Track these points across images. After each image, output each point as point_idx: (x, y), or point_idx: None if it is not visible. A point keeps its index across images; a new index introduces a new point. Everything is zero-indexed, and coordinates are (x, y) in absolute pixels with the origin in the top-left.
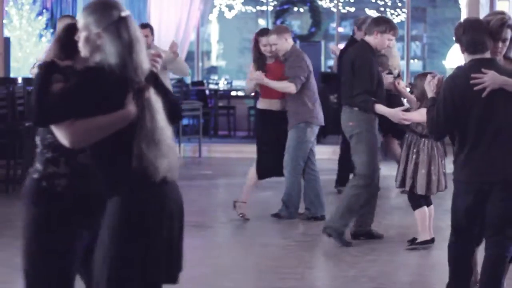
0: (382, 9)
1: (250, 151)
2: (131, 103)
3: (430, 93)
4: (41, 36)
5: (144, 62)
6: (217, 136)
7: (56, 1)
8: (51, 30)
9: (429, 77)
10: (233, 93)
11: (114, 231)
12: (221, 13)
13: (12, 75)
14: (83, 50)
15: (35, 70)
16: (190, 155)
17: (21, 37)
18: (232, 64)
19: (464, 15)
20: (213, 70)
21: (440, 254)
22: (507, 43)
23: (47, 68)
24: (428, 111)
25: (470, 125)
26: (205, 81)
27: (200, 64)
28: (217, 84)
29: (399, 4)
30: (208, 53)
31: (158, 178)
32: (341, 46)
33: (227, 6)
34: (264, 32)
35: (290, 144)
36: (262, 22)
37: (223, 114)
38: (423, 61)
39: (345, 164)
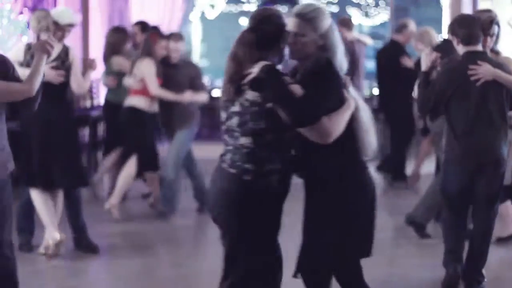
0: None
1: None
2: (348, 95)
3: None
4: (22, 35)
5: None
6: (200, 136)
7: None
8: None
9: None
10: (214, 93)
11: (341, 211)
12: (202, 13)
13: None
14: (305, 50)
15: None
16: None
17: (3, 37)
18: (214, 64)
19: (446, 15)
20: None
21: None
22: (494, 38)
23: (277, 72)
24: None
25: (465, 111)
26: None
27: None
28: None
29: (382, 4)
30: (190, 53)
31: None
32: None
33: (210, 5)
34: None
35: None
36: (244, 22)
37: (205, 114)
38: None
39: None
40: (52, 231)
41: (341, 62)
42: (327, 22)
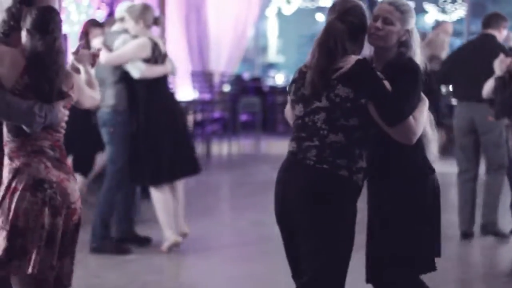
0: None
1: None
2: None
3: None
4: None
5: None
6: (275, 132)
7: None
8: None
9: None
10: None
11: (409, 210)
12: (279, 9)
13: None
14: (387, 39)
15: None
16: (248, 151)
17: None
18: (290, 60)
19: None
20: (271, 66)
21: None
22: None
23: (373, 67)
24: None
25: None
26: (263, 77)
27: (258, 60)
28: (275, 80)
29: (459, 0)
30: (266, 49)
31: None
32: None
33: (286, 1)
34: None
35: None
36: (320, 18)
37: (281, 110)
38: None
39: None
40: (170, 232)
41: (420, 61)
42: (413, 20)
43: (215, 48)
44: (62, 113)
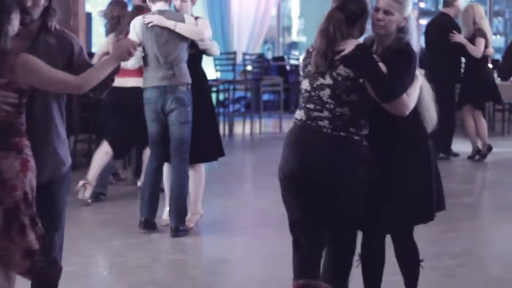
0: None
1: None
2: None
3: None
4: None
5: None
6: None
7: None
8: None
9: None
10: None
11: (420, 171)
12: None
13: (94, 50)
14: (388, 27)
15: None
16: (271, 131)
17: None
18: (312, 40)
19: None
20: (293, 45)
21: None
22: None
23: (370, 50)
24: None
25: None
26: (285, 56)
27: (281, 39)
28: (297, 59)
29: None
30: (288, 29)
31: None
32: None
33: None
34: None
35: None
36: None
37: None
38: (505, 36)
39: None
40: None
41: (416, 44)
42: (410, 7)
43: (238, 28)
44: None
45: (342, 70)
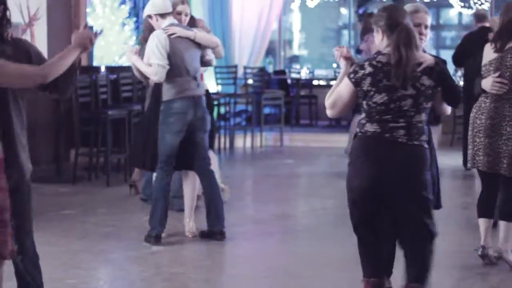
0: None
1: (332, 140)
2: None
3: None
4: (124, 24)
5: None
6: (299, 125)
7: None
8: (134, 19)
9: None
10: (315, 82)
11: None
12: (303, 1)
13: (95, 63)
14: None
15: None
16: (272, 144)
17: (104, 26)
18: (314, 53)
19: None
20: (295, 59)
21: None
22: None
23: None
24: None
25: None
26: (287, 70)
27: (282, 53)
28: (299, 73)
29: None
30: (290, 42)
31: None
32: None
33: None
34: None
35: None
36: (344, 11)
37: (305, 103)
38: None
39: None
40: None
41: None
42: None
43: (239, 41)
44: None
45: (425, 80)
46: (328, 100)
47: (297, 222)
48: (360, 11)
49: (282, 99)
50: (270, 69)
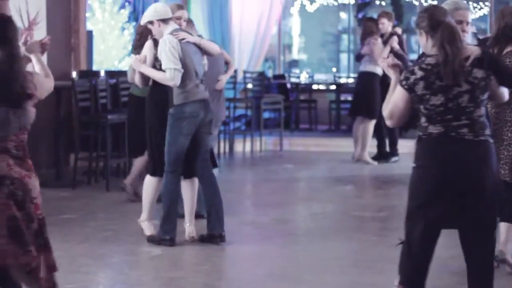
0: (465, 2)
1: (331, 144)
2: None
3: None
4: (123, 29)
5: None
6: (299, 130)
7: None
8: (134, 23)
9: None
10: (314, 87)
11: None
12: (302, 6)
13: (94, 68)
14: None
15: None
16: (271, 149)
17: (104, 30)
18: (313, 58)
19: None
20: (294, 63)
21: None
22: None
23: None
24: None
25: None
26: (286, 74)
27: (282, 57)
28: (298, 77)
29: None
30: (289, 47)
31: None
32: None
33: None
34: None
35: None
36: (343, 16)
37: (305, 107)
38: None
39: None
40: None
41: None
42: None
43: (239, 46)
44: (32, 113)
45: (477, 72)
46: (386, 111)
47: (297, 226)
48: (360, 15)
49: (282, 104)
50: (270, 73)
